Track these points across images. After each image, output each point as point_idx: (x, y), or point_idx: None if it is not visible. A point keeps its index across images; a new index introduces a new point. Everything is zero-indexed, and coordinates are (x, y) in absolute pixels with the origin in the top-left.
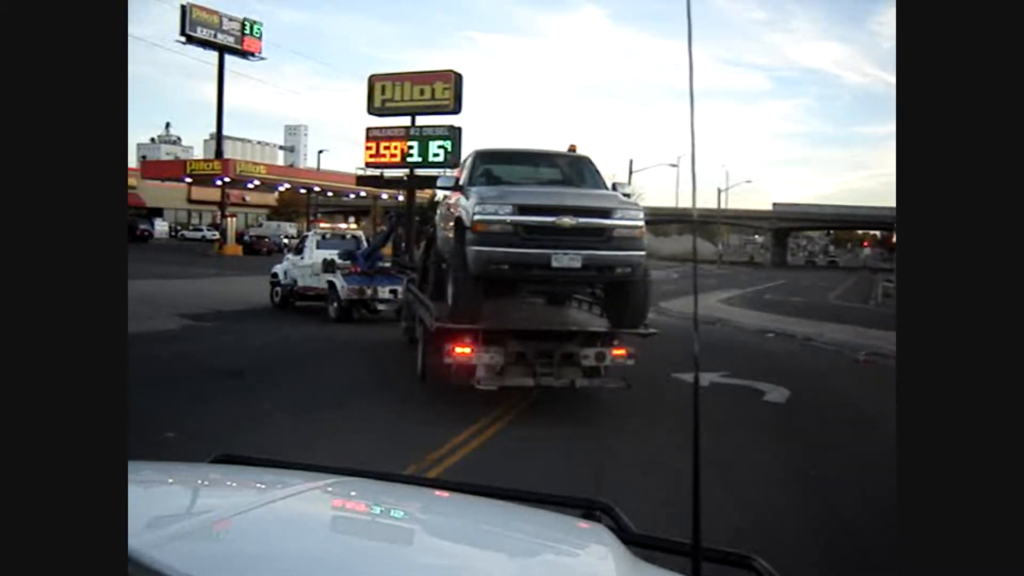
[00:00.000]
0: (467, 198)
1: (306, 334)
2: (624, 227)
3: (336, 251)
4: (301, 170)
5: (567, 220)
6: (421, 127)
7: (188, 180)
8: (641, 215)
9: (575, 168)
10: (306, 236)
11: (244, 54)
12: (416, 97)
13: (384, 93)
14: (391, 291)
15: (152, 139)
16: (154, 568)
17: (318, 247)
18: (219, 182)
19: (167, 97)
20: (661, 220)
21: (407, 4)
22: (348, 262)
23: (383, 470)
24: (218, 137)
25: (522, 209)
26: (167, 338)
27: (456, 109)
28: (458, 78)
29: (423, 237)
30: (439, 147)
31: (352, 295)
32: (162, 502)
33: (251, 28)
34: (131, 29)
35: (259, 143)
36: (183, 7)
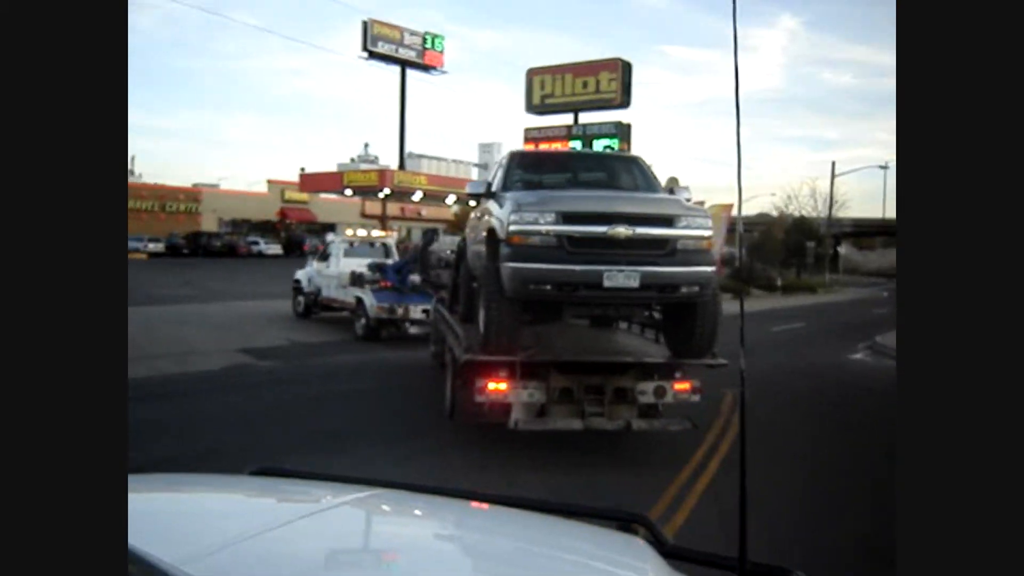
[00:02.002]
0: (501, 205)
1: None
2: (690, 237)
3: (364, 259)
4: (466, 180)
5: (621, 230)
6: (585, 125)
7: (348, 192)
8: (709, 223)
9: (625, 169)
10: (332, 242)
11: (426, 68)
12: (579, 91)
13: (543, 88)
14: (424, 311)
15: (351, 159)
16: None
17: (345, 255)
18: (380, 194)
19: (363, 116)
20: (865, 232)
21: (596, 18)
22: (377, 275)
23: (419, 482)
24: (400, 153)
25: (567, 217)
26: (192, 386)
27: (624, 102)
28: (626, 67)
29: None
30: (605, 147)
31: (381, 314)
32: (200, 515)
33: (432, 42)
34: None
35: (454, 161)
36: (364, 23)
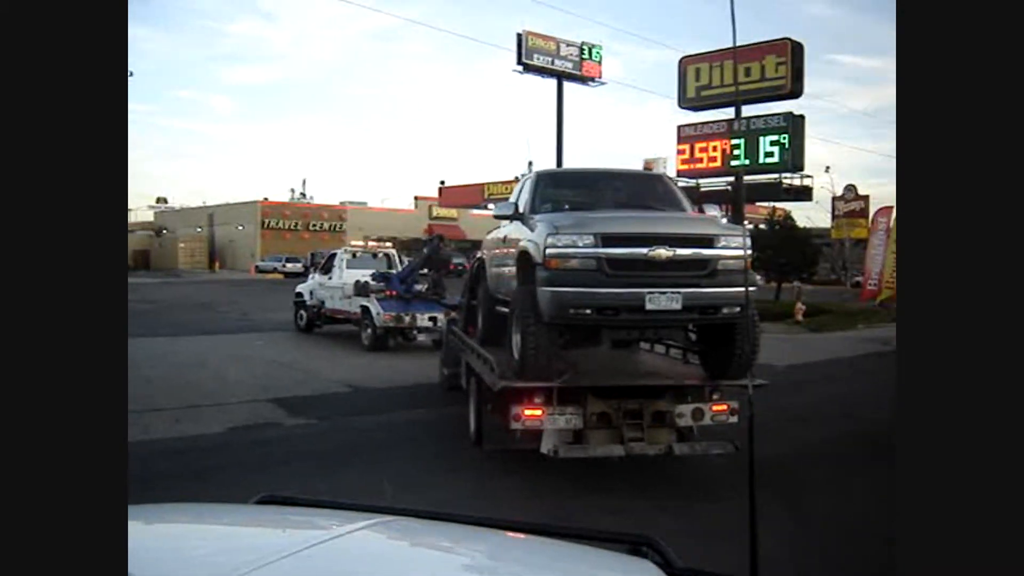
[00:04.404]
0: (532, 228)
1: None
2: (729, 257)
3: (367, 270)
4: None
5: (662, 252)
6: (748, 119)
7: (490, 207)
8: (748, 242)
9: (652, 188)
10: (334, 254)
11: (583, 80)
12: (741, 79)
13: (699, 79)
14: (430, 318)
15: (516, 178)
16: None
17: (348, 267)
18: None
19: (521, 131)
20: None
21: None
22: (382, 285)
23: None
24: (558, 167)
25: (606, 239)
26: (163, 465)
27: (796, 91)
28: (796, 48)
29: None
30: (773, 143)
31: (389, 322)
32: (205, 544)
33: (590, 52)
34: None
35: None
36: (519, 35)
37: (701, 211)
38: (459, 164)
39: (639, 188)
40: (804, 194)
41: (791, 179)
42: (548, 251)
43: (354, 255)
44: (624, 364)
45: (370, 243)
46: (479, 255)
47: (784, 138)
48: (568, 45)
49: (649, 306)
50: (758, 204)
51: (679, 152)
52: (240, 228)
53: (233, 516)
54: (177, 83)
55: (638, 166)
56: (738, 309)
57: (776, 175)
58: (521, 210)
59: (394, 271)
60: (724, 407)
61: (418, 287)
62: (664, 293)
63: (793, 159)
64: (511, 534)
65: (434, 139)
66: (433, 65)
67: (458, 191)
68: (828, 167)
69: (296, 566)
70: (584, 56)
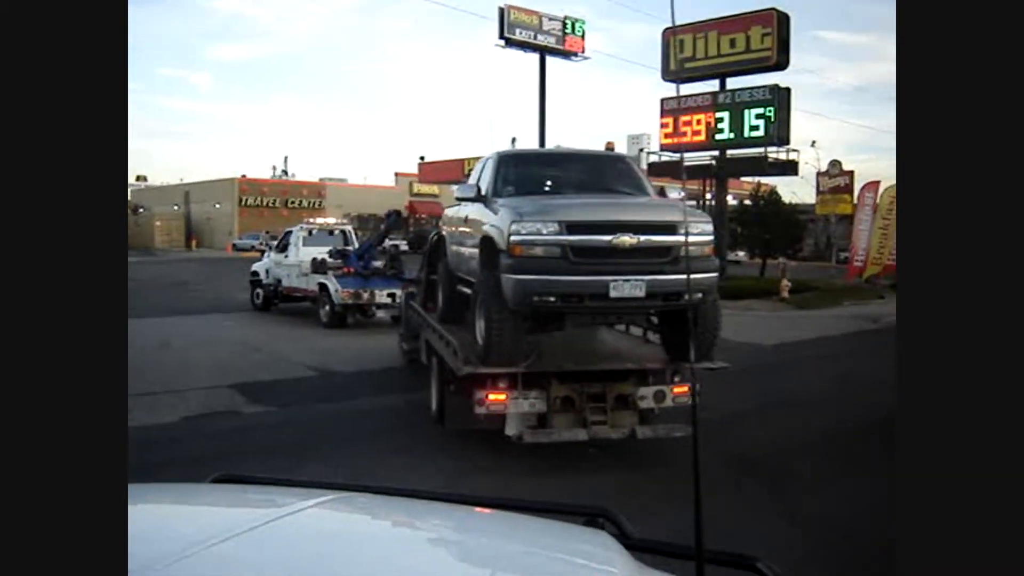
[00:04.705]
0: (495, 212)
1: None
2: (693, 243)
3: (324, 247)
4: None
5: (626, 239)
6: (733, 91)
7: (453, 188)
8: (711, 228)
9: (615, 170)
10: (290, 232)
11: (566, 54)
12: (725, 51)
13: (683, 50)
14: (388, 294)
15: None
16: None
17: (304, 244)
18: None
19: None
20: None
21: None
22: (340, 262)
23: (383, 485)
24: (540, 145)
25: (570, 227)
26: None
27: (782, 63)
28: (782, 19)
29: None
30: (759, 117)
31: (347, 299)
32: (161, 524)
33: (572, 26)
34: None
35: None
36: (500, 9)
37: (663, 194)
38: (440, 140)
39: (601, 170)
40: (790, 168)
41: (777, 153)
42: (512, 238)
43: (310, 232)
44: (586, 346)
45: (318, 220)
46: (438, 230)
47: (770, 111)
48: (551, 19)
49: (613, 293)
50: (742, 179)
51: (662, 126)
52: (217, 206)
53: (188, 495)
54: (160, 60)
55: (621, 141)
56: (701, 295)
57: (761, 149)
58: (484, 192)
59: (351, 247)
60: (686, 388)
61: (375, 263)
62: (628, 280)
63: (779, 132)
64: (469, 508)
65: (416, 115)
66: (415, 41)
67: (438, 167)
68: (814, 141)
69: (253, 542)
70: (567, 31)
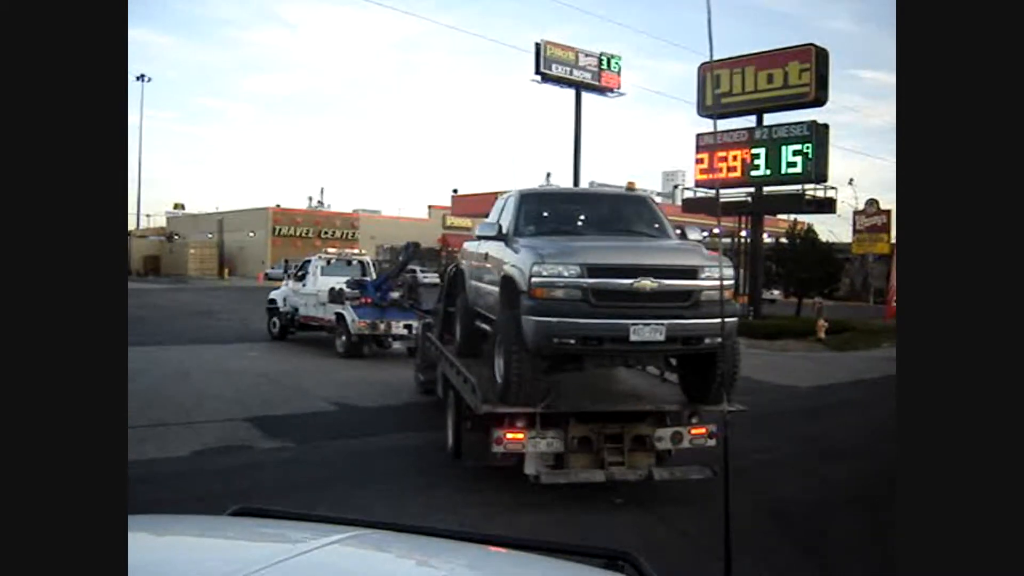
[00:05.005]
0: (516, 251)
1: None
2: (713, 288)
3: (342, 277)
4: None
5: (647, 283)
6: (770, 127)
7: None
8: (731, 272)
9: (635, 211)
10: (308, 261)
11: (602, 90)
12: (762, 87)
13: (719, 86)
14: (405, 326)
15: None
16: None
17: (322, 273)
18: None
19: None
20: None
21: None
22: (357, 292)
23: (402, 522)
24: (575, 176)
25: (592, 270)
26: None
27: (821, 99)
28: (821, 55)
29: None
30: (796, 153)
31: (364, 329)
32: (179, 556)
33: (608, 63)
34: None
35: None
36: (537, 45)
37: (683, 235)
38: (474, 174)
39: (622, 211)
40: (827, 206)
41: (814, 190)
42: (533, 280)
43: (328, 262)
44: (604, 385)
45: (346, 250)
46: (457, 263)
47: (807, 147)
48: (587, 55)
49: (633, 337)
50: (779, 217)
51: (697, 162)
52: (251, 235)
53: (207, 528)
54: (200, 91)
55: (656, 178)
56: (720, 340)
57: (799, 186)
58: (504, 230)
59: (368, 278)
60: (703, 430)
61: (393, 295)
62: (648, 325)
63: (816, 169)
64: (489, 548)
65: (451, 149)
66: (451, 76)
67: (471, 200)
68: (851, 180)
69: None
70: (603, 67)
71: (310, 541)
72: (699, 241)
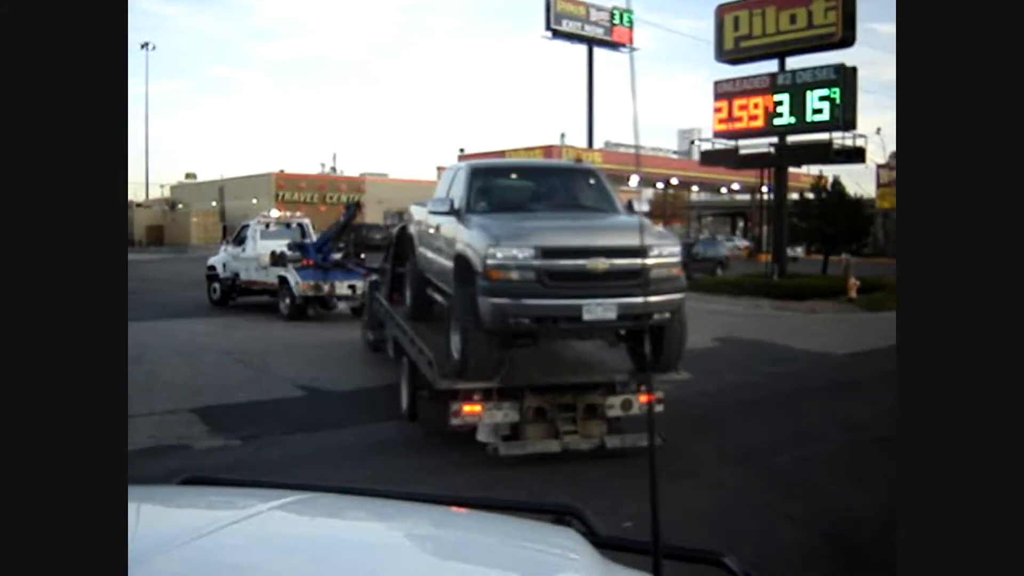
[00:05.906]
0: (469, 229)
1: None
2: (662, 265)
3: (281, 241)
4: (664, 160)
5: (600, 263)
6: (794, 72)
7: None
8: (678, 249)
9: (585, 185)
10: (246, 226)
11: (614, 45)
12: (785, 27)
13: (738, 28)
14: (349, 286)
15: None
16: None
17: (262, 237)
18: None
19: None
20: None
21: None
22: (298, 254)
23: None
24: (589, 139)
25: (546, 252)
26: None
27: (847, 39)
28: None
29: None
30: (823, 99)
31: (308, 291)
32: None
33: (620, 17)
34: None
35: (653, 149)
36: (547, 1)
37: (630, 208)
38: (484, 134)
39: (573, 185)
40: (856, 156)
41: (843, 139)
42: (489, 262)
43: (267, 226)
44: (556, 356)
45: (284, 214)
46: (405, 223)
47: (835, 92)
48: (598, 10)
49: (587, 316)
50: (801, 170)
51: (716, 111)
52: (254, 201)
53: (155, 496)
54: (211, 59)
55: (672, 135)
56: (668, 315)
57: (826, 134)
58: (456, 206)
59: (308, 240)
60: (652, 396)
61: (334, 255)
62: (600, 303)
63: (845, 116)
64: (435, 507)
65: (460, 111)
66: (461, 37)
67: (478, 159)
68: (879, 128)
69: (219, 543)
70: (615, 21)
71: (259, 505)
72: (647, 213)
